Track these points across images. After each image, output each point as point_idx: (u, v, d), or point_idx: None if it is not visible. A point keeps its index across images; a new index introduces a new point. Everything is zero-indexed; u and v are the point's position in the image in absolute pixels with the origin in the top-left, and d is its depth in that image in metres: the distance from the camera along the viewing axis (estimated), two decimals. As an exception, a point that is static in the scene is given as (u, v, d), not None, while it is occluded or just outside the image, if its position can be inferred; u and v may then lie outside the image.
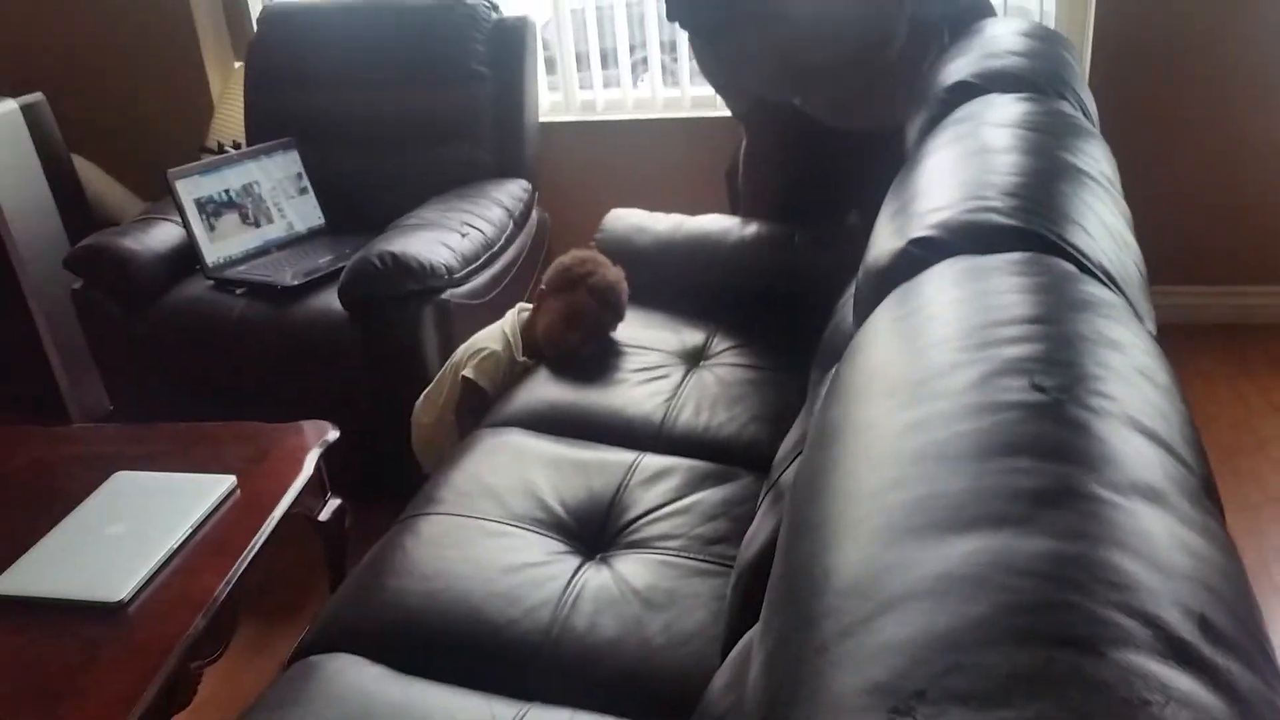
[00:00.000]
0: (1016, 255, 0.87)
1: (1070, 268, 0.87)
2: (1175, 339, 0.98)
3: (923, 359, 0.70)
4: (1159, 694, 0.41)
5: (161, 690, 1.28)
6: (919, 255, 0.94)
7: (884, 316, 0.86)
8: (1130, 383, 0.65)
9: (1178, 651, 0.43)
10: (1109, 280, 0.90)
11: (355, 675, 1.27)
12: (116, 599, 1.39)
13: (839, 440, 0.69)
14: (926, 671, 0.44)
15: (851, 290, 1.89)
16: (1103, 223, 0.99)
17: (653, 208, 2.43)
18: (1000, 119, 1.26)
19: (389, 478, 2.11)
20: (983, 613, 0.46)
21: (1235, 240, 2.88)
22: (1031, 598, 0.46)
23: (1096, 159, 1.18)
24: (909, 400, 0.65)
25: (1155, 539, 0.50)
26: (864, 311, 0.97)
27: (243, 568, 1.48)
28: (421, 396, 2.10)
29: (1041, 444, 0.57)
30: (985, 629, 0.45)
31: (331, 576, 1.91)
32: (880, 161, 2.04)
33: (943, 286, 0.83)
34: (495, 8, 2.73)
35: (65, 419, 2.70)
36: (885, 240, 1.02)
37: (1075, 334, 0.71)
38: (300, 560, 1.91)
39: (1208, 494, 0.60)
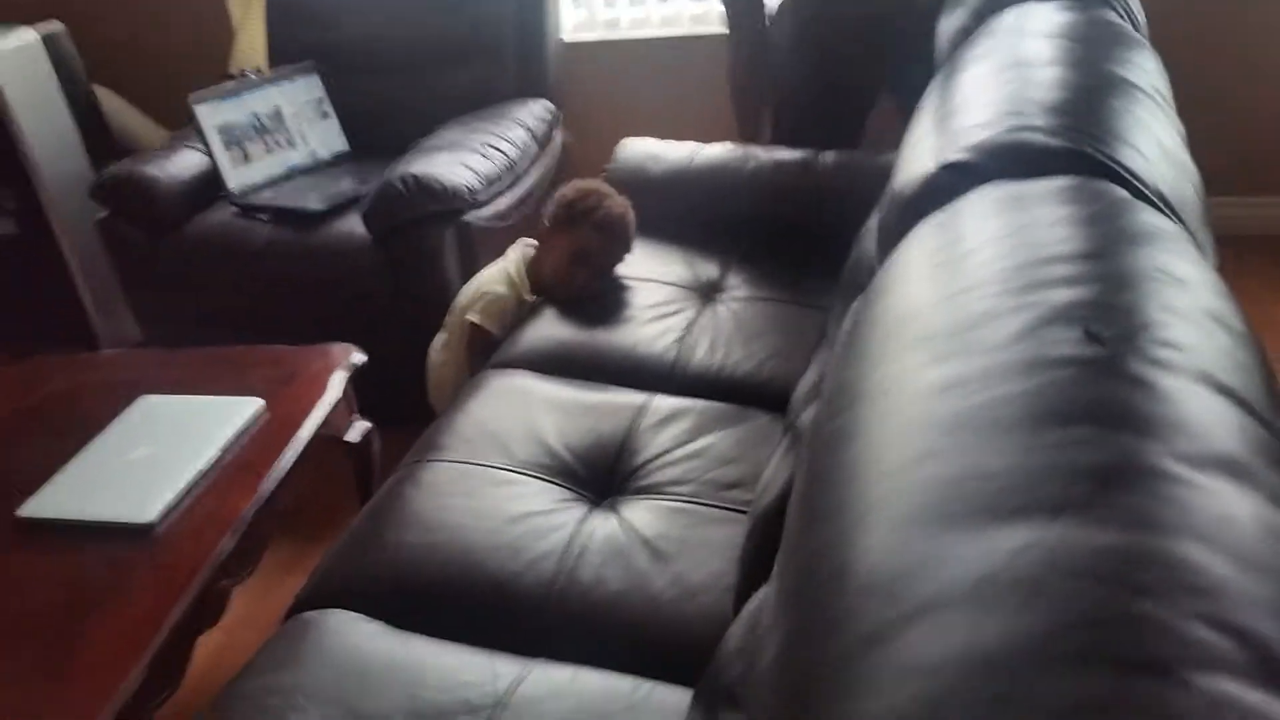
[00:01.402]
0: (1063, 180, 0.77)
1: (1123, 193, 0.76)
2: (1221, 253, 0.89)
3: (958, 304, 0.60)
4: (1258, 735, 0.33)
5: (190, 608, 1.29)
6: (952, 181, 0.84)
7: (913, 252, 0.76)
8: (1201, 328, 0.56)
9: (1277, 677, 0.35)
10: (1166, 207, 0.80)
11: (352, 632, 1.21)
12: (145, 520, 1.38)
13: (860, 402, 0.60)
14: (966, 701, 0.36)
15: (874, 219, 1.78)
16: (1157, 141, 0.89)
17: (679, 128, 2.34)
18: (1041, 29, 1.14)
19: (414, 403, 2.07)
20: (1036, 627, 0.37)
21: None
22: (1096, 608, 0.37)
23: (1148, 71, 1.06)
24: (943, 354, 0.55)
25: (1242, 527, 0.41)
26: (889, 244, 0.87)
27: (271, 488, 1.47)
28: (435, 341, 2.04)
29: (1101, 409, 0.48)
30: (1039, 648, 0.37)
31: (361, 499, 1.89)
32: (908, 42, 1.95)
33: (980, 217, 0.73)
34: (514, -82, 2.61)
35: (95, 349, 2.72)
36: (914, 164, 0.92)
37: (1134, 271, 0.61)
38: (332, 484, 1.89)
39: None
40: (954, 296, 0.61)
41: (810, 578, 0.50)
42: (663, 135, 2.32)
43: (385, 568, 1.30)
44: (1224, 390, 0.51)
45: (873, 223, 1.78)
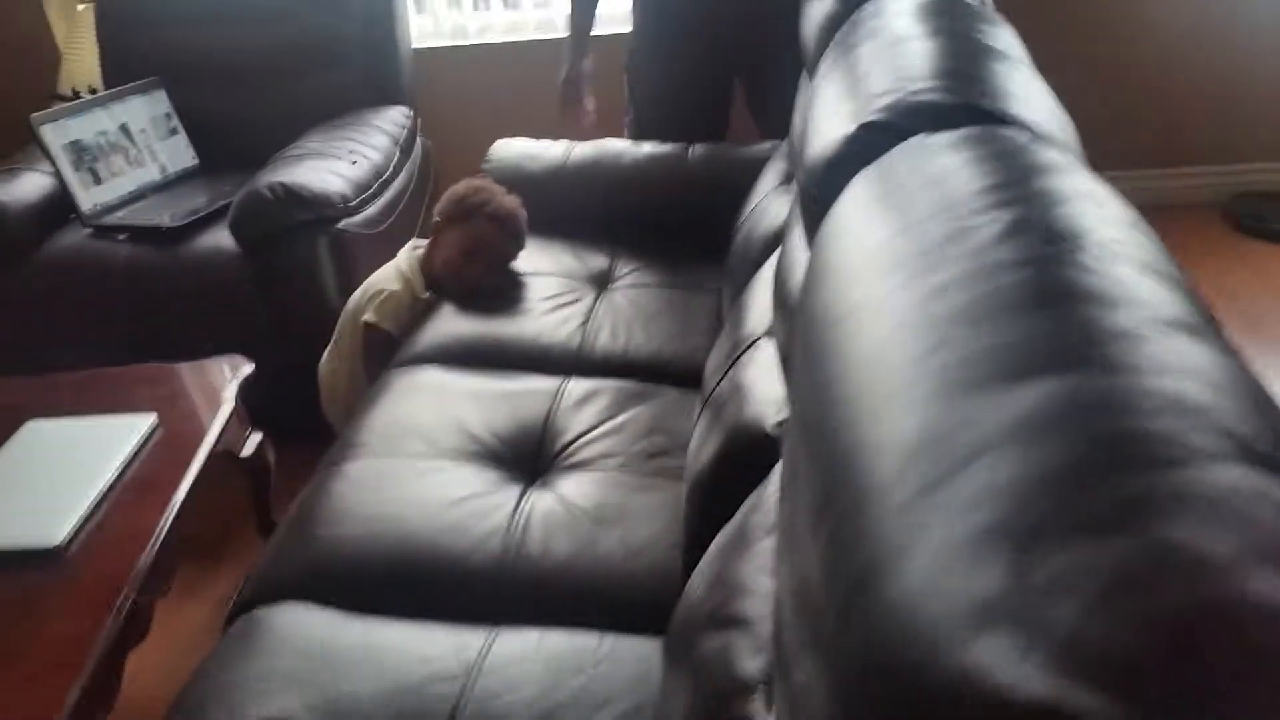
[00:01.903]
0: (972, 129, 0.87)
1: (1026, 135, 0.88)
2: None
3: (920, 231, 0.69)
4: (1271, 505, 0.42)
5: (118, 624, 1.27)
6: (872, 139, 0.94)
7: (855, 200, 0.85)
8: (1126, 230, 0.67)
9: (1269, 465, 0.45)
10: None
11: (308, 621, 1.21)
12: (53, 543, 1.36)
13: (845, 321, 0.68)
14: (1038, 510, 0.44)
15: (756, 203, 1.89)
16: (1038, 97, 1.01)
17: (533, 132, 2.39)
18: (909, 10, 1.26)
19: (299, 417, 2.05)
20: (1075, 451, 0.46)
21: (1120, 127, 2.96)
22: (1118, 430, 0.46)
23: (1011, 43, 1.19)
24: (920, 270, 0.64)
25: (1208, 367, 0.52)
26: (820, 202, 0.96)
27: (180, 501, 1.46)
28: (325, 354, 2.02)
29: (1076, 291, 0.57)
30: (1083, 465, 0.45)
31: (257, 513, 1.91)
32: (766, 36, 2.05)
33: (912, 162, 0.83)
34: (353, -76, 2.61)
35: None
36: (828, 131, 1.02)
37: (1059, 191, 0.72)
38: (220, 502, 1.86)
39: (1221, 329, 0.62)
40: (912, 227, 0.71)
41: (845, 466, 0.57)
42: (515, 136, 2.37)
43: (329, 560, 1.31)
44: (1161, 274, 0.61)
45: (750, 211, 1.89)
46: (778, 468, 1.07)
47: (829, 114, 1.06)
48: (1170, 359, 0.51)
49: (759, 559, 0.96)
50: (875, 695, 0.45)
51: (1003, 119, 0.94)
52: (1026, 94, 1.01)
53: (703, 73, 2.30)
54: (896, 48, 1.15)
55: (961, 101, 0.96)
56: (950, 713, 0.40)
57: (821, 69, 1.30)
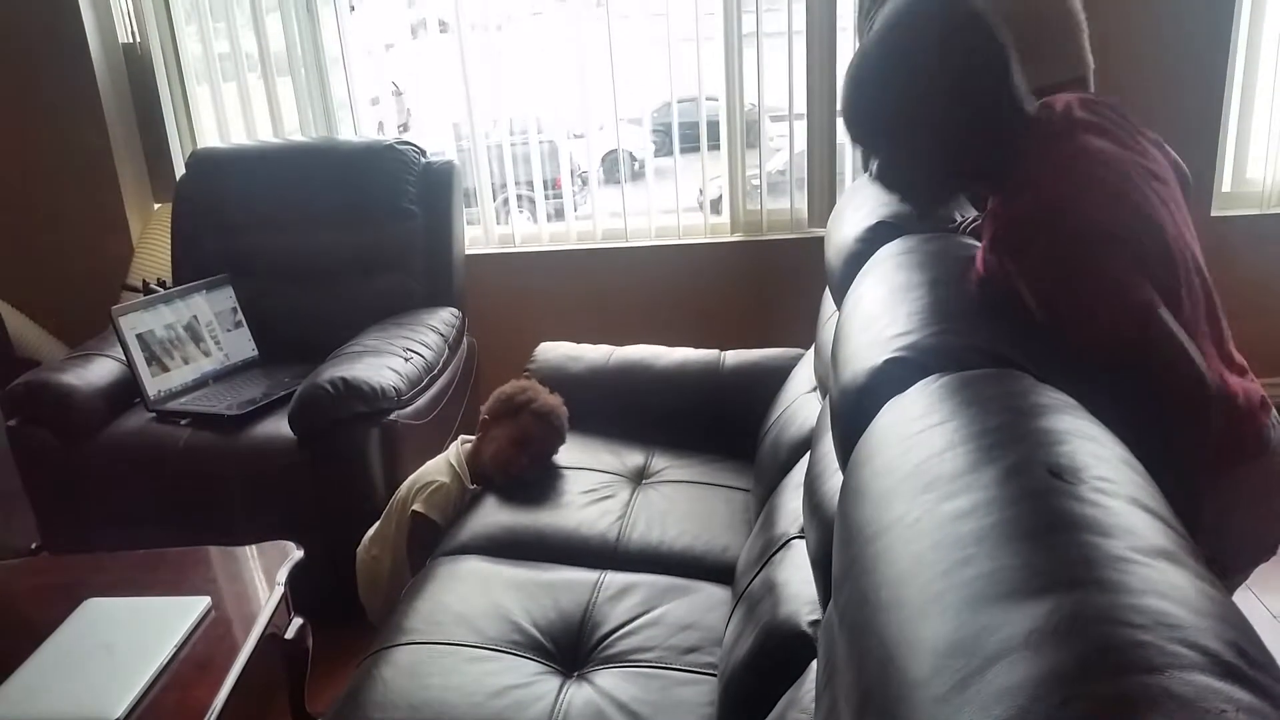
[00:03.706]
0: (986, 371, 1.02)
1: (1027, 377, 1.02)
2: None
3: (949, 458, 0.82)
4: (1229, 705, 0.53)
5: None
6: (895, 372, 1.08)
7: (885, 429, 0.98)
8: (1117, 469, 0.79)
9: (1231, 673, 0.55)
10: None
11: (360, 807, 1.27)
12: (113, 718, 1.41)
13: (884, 535, 0.80)
14: (1048, 704, 0.54)
15: (779, 413, 2.03)
16: (1037, 335, 1.16)
17: (568, 333, 2.57)
18: (920, 257, 1.43)
19: (331, 599, 2.12)
20: (1078, 655, 0.57)
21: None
22: (1113, 640, 0.57)
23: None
24: (950, 493, 0.77)
25: (1185, 589, 0.63)
26: (850, 426, 1.09)
27: (232, 682, 1.53)
28: (365, 538, 2.12)
29: (1079, 521, 0.69)
30: (1085, 667, 0.56)
31: (291, 696, 1.95)
32: None
33: (934, 400, 0.96)
34: (423, 152, 2.88)
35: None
36: (859, 362, 1.16)
37: (1060, 430, 0.85)
38: (252, 680, 1.92)
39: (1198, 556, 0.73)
40: (943, 453, 0.84)
41: (886, 665, 0.67)
42: (554, 338, 2.55)
43: (380, 746, 1.38)
44: (1146, 509, 0.73)
45: (777, 417, 2.03)
46: (813, 665, 1.16)
47: (861, 345, 1.21)
48: (1155, 581, 0.63)
49: (797, 753, 1.04)
50: None
51: (1007, 360, 1.08)
52: (1025, 335, 1.16)
53: None
54: (914, 291, 1.30)
55: (970, 344, 1.11)
56: None
57: (849, 301, 1.46)
